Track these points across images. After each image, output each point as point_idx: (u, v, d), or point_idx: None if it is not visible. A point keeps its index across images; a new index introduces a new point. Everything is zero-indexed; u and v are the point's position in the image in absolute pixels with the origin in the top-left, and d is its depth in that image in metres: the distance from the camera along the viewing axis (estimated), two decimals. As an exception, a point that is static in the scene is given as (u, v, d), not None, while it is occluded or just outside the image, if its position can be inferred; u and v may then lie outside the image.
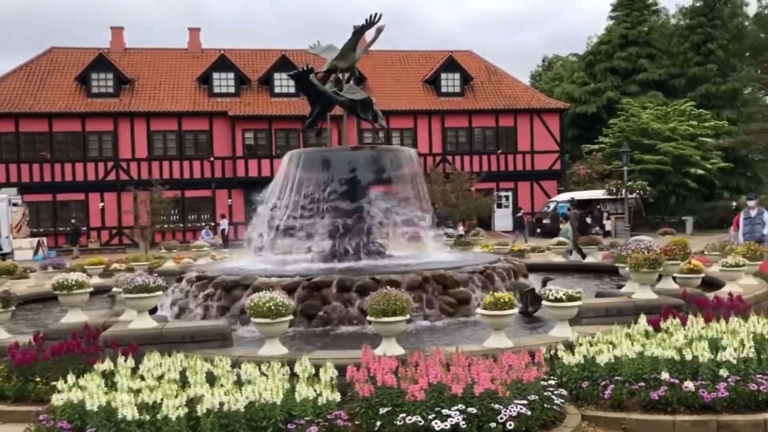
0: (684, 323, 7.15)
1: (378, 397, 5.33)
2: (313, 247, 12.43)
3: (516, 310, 6.90)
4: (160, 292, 7.44)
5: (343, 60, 12.34)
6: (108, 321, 7.91)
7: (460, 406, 5.03)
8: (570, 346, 6.68)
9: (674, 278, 9.84)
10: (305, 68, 12.19)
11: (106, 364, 6.19)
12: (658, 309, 7.97)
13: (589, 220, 36.38)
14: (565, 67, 58.83)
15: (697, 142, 40.36)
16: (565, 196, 38.25)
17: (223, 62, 39.71)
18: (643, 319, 7.43)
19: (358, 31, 11.91)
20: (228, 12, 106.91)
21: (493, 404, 5.08)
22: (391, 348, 6.58)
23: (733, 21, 48.26)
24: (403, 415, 5.01)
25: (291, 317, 6.90)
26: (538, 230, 36.97)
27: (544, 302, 7.31)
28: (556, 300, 7.17)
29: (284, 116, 38.70)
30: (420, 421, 4.93)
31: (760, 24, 47.40)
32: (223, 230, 34.27)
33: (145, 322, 7.32)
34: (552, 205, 37.64)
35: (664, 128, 40.40)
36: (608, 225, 35.57)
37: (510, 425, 4.94)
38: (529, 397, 5.24)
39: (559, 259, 15.93)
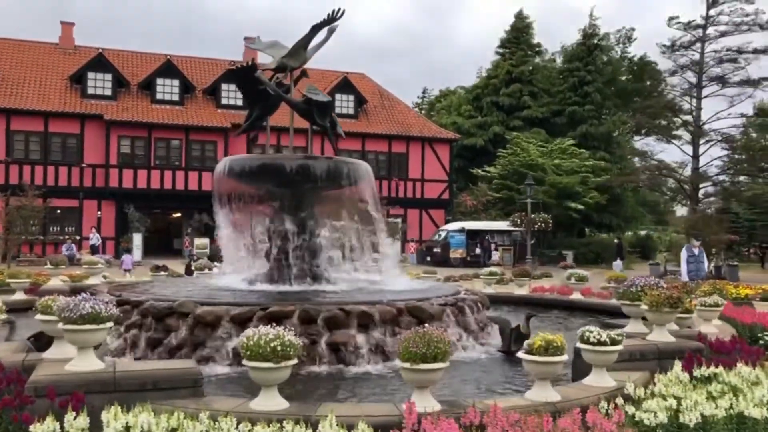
0: (710, 367, 6.43)
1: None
2: (251, 268, 10.80)
3: (565, 357, 5.80)
4: (111, 323, 5.64)
5: (293, 58, 10.90)
6: (28, 359, 5.94)
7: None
8: (628, 399, 5.68)
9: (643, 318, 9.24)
10: (249, 63, 10.64)
11: (48, 425, 4.41)
12: (680, 353, 7.21)
13: (478, 250, 36.56)
14: (447, 99, 59.95)
15: (579, 178, 41.97)
16: (455, 225, 38.31)
17: (100, 61, 36.41)
18: (677, 365, 6.61)
19: (316, 27, 10.54)
20: (93, 10, 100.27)
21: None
22: (425, 401, 5.25)
23: (606, 67, 51.16)
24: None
25: (296, 360, 5.39)
26: (428, 258, 36.58)
27: (580, 344, 6.28)
28: (599, 343, 6.16)
29: (166, 125, 35.94)
30: None
31: (630, 72, 50.54)
32: (93, 245, 30.92)
33: (90, 363, 5.49)
34: (442, 234, 37.46)
35: (548, 164, 41.69)
36: (495, 256, 35.82)
37: None
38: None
39: (521, 291, 15.22)
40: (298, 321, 8.20)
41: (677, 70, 38.00)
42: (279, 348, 5.15)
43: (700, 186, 37.28)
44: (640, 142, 50.16)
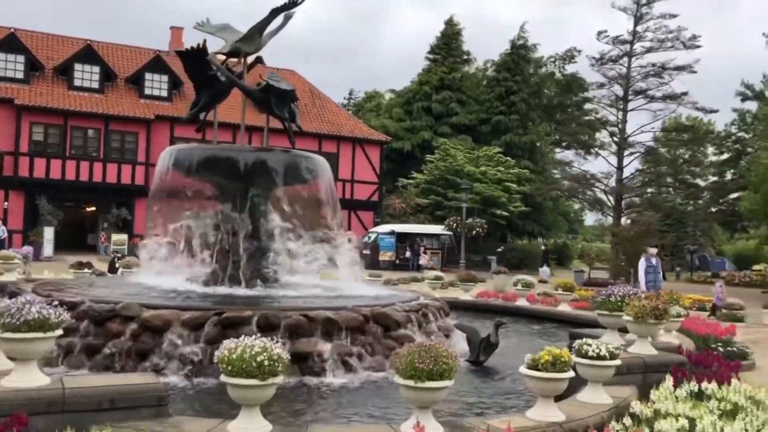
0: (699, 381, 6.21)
1: None
2: (196, 268, 9.95)
3: (572, 373, 5.38)
4: (60, 331, 4.81)
5: (248, 43, 10.15)
6: (-46, 373, 4.99)
7: None
8: (634, 417, 5.33)
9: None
10: (199, 45, 9.80)
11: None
12: (665, 366, 6.98)
13: (408, 253, 36.30)
14: (374, 101, 59.71)
15: (503, 186, 42.50)
16: (385, 227, 37.94)
17: (12, 42, 33.90)
18: (669, 380, 6.35)
19: (276, 11, 9.83)
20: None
21: None
22: (428, 423, 4.70)
23: (532, 78, 52.16)
24: None
25: (282, 377, 4.71)
26: (357, 261, 35.99)
27: (577, 358, 5.88)
28: (598, 357, 5.79)
29: (84, 113, 33.81)
30: None
31: (555, 85, 51.67)
32: (-1, 238, 28.63)
33: (33, 378, 4.64)
34: (372, 236, 37.00)
35: (475, 171, 42.01)
36: (423, 260, 35.64)
37: None
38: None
39: (467, 296, 14.88)
40: (257, 328, 7.48)
41: (605, 83, 39.08)
42: (266, 363, 4.47)
43: (624, 196, 38.42)
44: (565, 153, 51.36)
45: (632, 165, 40.30)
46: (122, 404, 4.66)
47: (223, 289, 9.42)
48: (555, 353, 5.25)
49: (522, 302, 14.38)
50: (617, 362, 5.98)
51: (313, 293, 9.44)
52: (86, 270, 13.80)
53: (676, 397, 5.97)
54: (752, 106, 40.67)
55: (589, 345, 5.86)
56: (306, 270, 10.92)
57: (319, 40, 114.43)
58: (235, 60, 10.45)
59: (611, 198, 38.73)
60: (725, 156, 41.22)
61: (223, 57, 10.32)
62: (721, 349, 9.97)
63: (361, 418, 5.93)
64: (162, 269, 10.68)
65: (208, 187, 10.14)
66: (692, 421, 5.18)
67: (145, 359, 7.20)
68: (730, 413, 5.55)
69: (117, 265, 16.04)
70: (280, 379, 4.60)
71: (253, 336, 7.37)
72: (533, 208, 45.53)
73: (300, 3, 9.75)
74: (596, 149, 42.37)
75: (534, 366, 5.27)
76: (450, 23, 53.59)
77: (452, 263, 36.04)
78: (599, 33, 38.44)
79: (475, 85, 52.97)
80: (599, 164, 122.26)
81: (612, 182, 38.93)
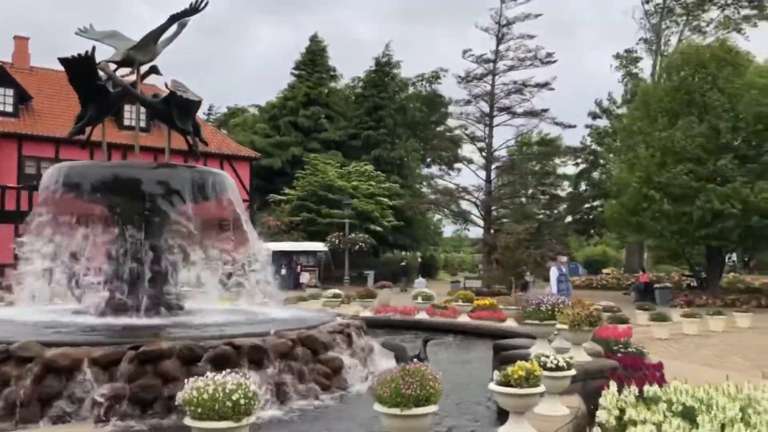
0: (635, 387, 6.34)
1: None
2: (88, 297, 8.97)
3: (543, 387, 5.26)
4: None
5: (142, 51, 9.35)
6: None
7: None
8: (602, 427, 5.30)
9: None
10: (87, 52, 8.91)
11: None
12: (602, 372, 7.11)
13: (284, 271, 35.56)
14: (239, 117, 58.41)
15: (376, 200, 42.89)
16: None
17: None
18: (613, 386, 6.41)
19: (175, 17, 9.14)
20: None
21: None
22: (412, 453, 4.38)
23: (398, 95, 53.30)
24: None
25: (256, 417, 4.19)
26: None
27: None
28: (557, 368, 5.74)
29: None
30: None
31: (421, 102, 53.15)
32: None
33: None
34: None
35: (347, 186, 42.09)
36: (304, 278, 35.07)
37: None
38: None
39: (366, 312, 14.54)
40: (179, 360, 6.80)
41: (471, 100, 40.62)
42: (242, 401, 3.96)
43: (492, 208, 39.99)
44: (434, 168, 52.76)
45: (500, 178, 42.09)
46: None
47: (124, 320, 8.54)
48: (527, 368, 5.12)
49: (422, 315, 14.35)
50: (573, 372, 5.97)
51: (228, 320, 8.79)
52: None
53: (625, 402, 6.05)
54: (603, 122, 44.00)
55: (547, 357, 5.81)
56: (208, 294, 10.23)
57: (167, 52, 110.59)
58: (128, 70, 9.59)
59: (481, 210, 40.19)
60: (581, 167, 44.18)
61: (114, 66, 9.44)
62: (622, 351, 10.38)
63: None
64: (42, 300, 9.57)
65: (100, 208, 9.18)
66: (658, 426, 5.23)
67: (50, 405, 6.30)
68: (682, 414, 5.66)
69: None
70: (254, 418, 4.10)
71: (176, 370, 6.79)
72: (404, 222, 46.28)
73: (201, 9, 9.13)
74: (463, 163, 43.88)
75: (506, 382, 5.10)
76: (314, 39, 53.63)
77: (329, 280, 35.73)
78: (464, 52, 40.04)
79: (343, 101, 53.29)
80: (469, 178, 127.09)
81: (482, 195, 40.41)
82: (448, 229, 75.20)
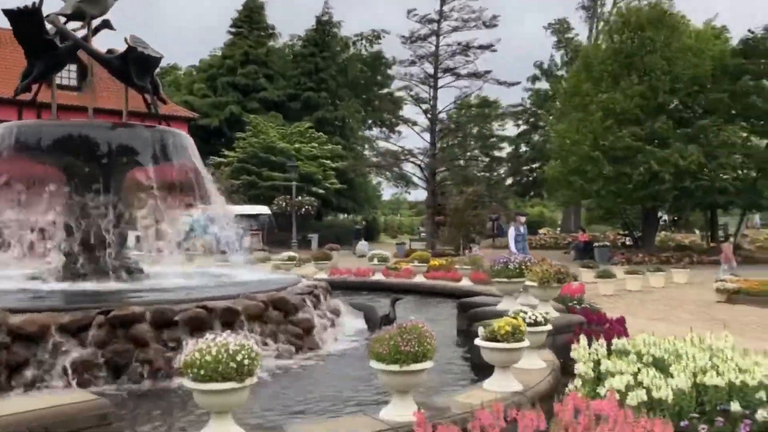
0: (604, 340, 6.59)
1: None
2: (40, 262, 8.65)
3: (527, 342, 5.39)
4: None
5: (93, 4, 8.89)
6: None
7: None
8: (582, 378, 5.50)
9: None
10: (34, 4, 8.41)
11: None
12: (569, 328, 7.34)
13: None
14: (172, 75, 56.61)
15: (318, 163, 42.52)
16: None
17: None
18: (583, 340, 6.63)
19: (129, -32, 8.69)
20: None
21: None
22: (408, 406, 4.45)
23: (340, 56, 52.57)
24: None
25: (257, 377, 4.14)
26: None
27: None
28: (535, 323, 5.88)
29: None
30: None
31: (364, 64, 52.58)
32: None
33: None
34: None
35: (289, 147, 41.54)
36: (247, 242, 34.58)
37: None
38: None
39: (322, 274, 14.48)
40: (151, 325, 6.66)
41: (415, 61, 40.41)
42: (246, 361, 3.91)
43: (437, 170, 40.23)
44: (376, 130, 52.58)
45: (443, 141, 42.28)
46: (59, 429, 3.83)
47: (84, 285, 8.27)
48: (514, 323, 5.22)
49: (378, 276, 14.44)
50: (550, 327, 6.14)
51: (194, 283, 8.63)
52: None
53: (597, 354, 6.27)
54: (543, 85, 44.63)
55: (525, 312, 5.94)
56: (167, 257, 10.00)
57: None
58: (79, 24, 9.11)
59: (426, 172, 40.40)
60: (522, 129, 44.83)
61: (63, 19, 8.95)
62: (578, 306, 10.73)
63: (280, 416, 5.34)
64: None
65: (55, 170, 8.79)
66: (635, 376, 5.46)
67: (18, 373, 6.08)
68: (654, 365, 5.90)
69: None
70: (255, 379, 4.05)
71: (148, 334, 6.66)
72: (347, 185, 46.14)
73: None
74: (408, 125, 43.81)
75: (492, 338, 5.20)
76: (252, -5, 52.07)
77: (273, 244, 35.39)
78: (409, 12, 39.66)
79: (282, 60, 52.18)
80: (414, 140, 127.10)
81: (427, 157, 40.54)
82: (386, 192, 75.46)
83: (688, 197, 27.73)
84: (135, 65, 8.40)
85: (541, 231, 53.45)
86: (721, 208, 30.67)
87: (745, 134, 27.67)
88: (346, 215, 50.73)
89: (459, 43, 39.54)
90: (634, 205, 30.06)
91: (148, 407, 5.58)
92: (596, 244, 29.34)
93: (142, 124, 9.07)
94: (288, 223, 42.15)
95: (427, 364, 4.44)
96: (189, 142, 9.16)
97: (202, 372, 3.87)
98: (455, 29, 39.40)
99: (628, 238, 35.23)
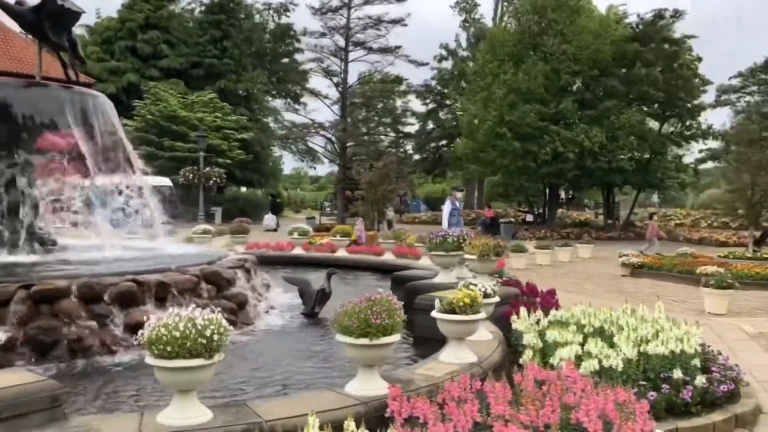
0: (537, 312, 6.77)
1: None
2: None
3: (483, 314, 5.40)
4: None
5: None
6: None
7: None
8: (531, 348, 5.60)
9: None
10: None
11: None
12: (507, 299, 7.46)
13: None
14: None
15: (223, 134, 41.30)
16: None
17: None
18: (523, 311, 6.77)
19: None
20: None
21: None
22: (375, 380, 4.37)
23: (245, 24, 50.94)
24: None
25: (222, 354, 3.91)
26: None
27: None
28: (486, 296, 5.92)
29: None
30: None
31: (269, 34, 51.15)
32: None
33: None
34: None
35: (192, 117, 40.11)
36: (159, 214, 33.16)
37: None
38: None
39: (239, 248, 14.04)
40: (78, 299, 6.22)
41: (326, 33, 39.77)
42: (216, 337, 3.69)
43: (348, 144, 39.95)
44: (280, 101, 51.46)
45: (352, 115, 42.00)
46: (7, 413, 3.49)
47: (-1, 257, 7.65)
48: (472, 295, 5.23)
49: (299, 251, 14.21)
50: (497, 299, 6.22)
51: (114, 255, 8.14)
52: None
53: (539, 325, 6.42)
54: (449, 64, 45.04)
55: (475, 285, 5.97)
56: (81, 230, 9.43)
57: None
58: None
59: (337, 146, 40.03)
60: (430, 107, 45.20)
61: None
62: (500, 280, 10.99)
63: (233, 396, 5.11)
64: None
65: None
66: (582, 346, 5.62)
67: (-70, 353, 5.54)
68: (597, 335, 6.10)
69: None
70: (223, 355, 3.84)
71: (76, 309, 6.22)
72: (254, 158, 45.09)
73: None
74: (319, 97, 43.16)
75: (450, 310, 5.19)
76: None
77: (176, 217, 34.15)
78: (320, -19, 38.91)
79: (184, 26, 50.03)
80: (325, 113, 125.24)
81: (337, 131, 40.15)
82: (287, 166, 74.59)
83: (588, 176, 28.97)
84: (51, 19, 7.71)
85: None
86: (617, 186, 32.27)
87: (641, 117, 29.13)
88: (250, 188, 49.62)
89: (370, 17, 39.33)
90: (538, 182, 31.12)
91: (90, 387, 5.22)
92: (502, 220, 30.21)
93: (59, 84, 8.38)
94: (188, 196, 40.80)
95: (396, 337, 4.37)
96: (109, 105, 8.58)
97: (168, 348, 3.62)
98: (366, 2, 39.11)
99: (528, 215, 36.51)
